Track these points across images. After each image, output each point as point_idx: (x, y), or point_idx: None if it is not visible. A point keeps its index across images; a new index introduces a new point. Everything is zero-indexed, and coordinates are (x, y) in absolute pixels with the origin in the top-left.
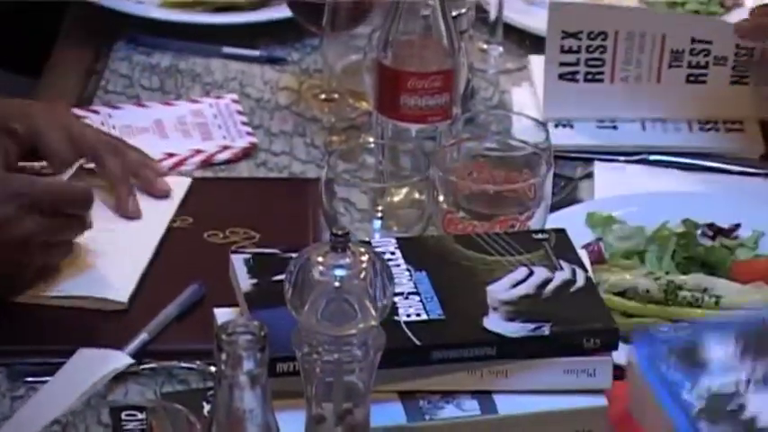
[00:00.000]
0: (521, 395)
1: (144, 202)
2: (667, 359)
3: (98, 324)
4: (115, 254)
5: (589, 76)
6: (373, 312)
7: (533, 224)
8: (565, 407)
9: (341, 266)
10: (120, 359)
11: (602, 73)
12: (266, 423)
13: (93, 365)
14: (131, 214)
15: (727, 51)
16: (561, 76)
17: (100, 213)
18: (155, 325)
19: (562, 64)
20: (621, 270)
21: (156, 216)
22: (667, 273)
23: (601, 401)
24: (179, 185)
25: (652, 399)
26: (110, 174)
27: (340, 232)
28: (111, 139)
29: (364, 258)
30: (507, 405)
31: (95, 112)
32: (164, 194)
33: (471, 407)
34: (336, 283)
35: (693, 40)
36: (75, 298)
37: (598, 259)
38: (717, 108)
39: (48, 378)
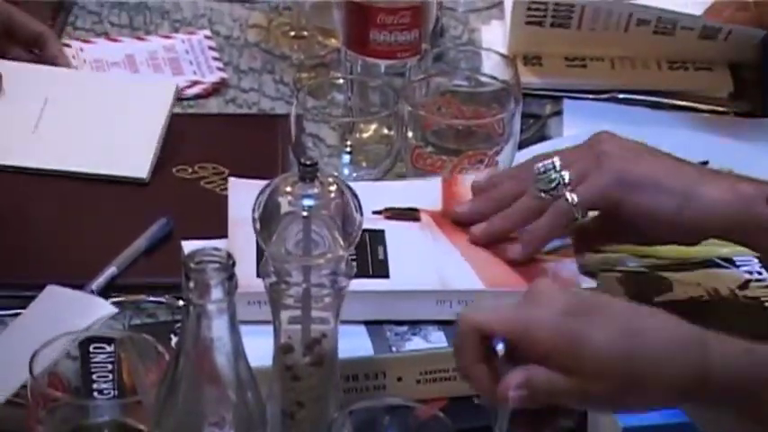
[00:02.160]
0: None
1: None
2: None
3: (66, 257)
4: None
5: (556, 23)
6: (341, 242)
7: (501, 160)
8: None
9: (309, 196)
10: (105, 308)
11: (569, 22)
12: (234, 351)
13: (68, 307)
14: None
15: (695, 25)
16: (528, 23)
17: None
18: (123, 259)
19: (529, 16)
20: None
21: (154, 110)
22: None
23: None
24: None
25: None
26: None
27: (308, 162)
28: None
29: (332, 188)
30: None
31: (67, 45)
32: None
33: (438, 338)
34: (304, 213)
35: (660, 18)
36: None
37: None
38: (685, 54)
39: (15, 311)
